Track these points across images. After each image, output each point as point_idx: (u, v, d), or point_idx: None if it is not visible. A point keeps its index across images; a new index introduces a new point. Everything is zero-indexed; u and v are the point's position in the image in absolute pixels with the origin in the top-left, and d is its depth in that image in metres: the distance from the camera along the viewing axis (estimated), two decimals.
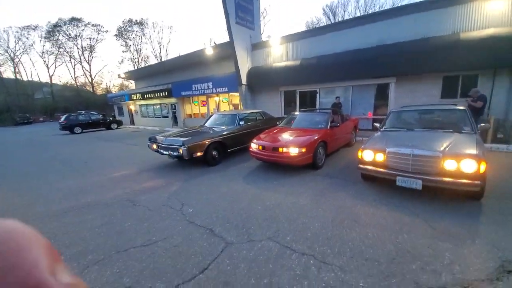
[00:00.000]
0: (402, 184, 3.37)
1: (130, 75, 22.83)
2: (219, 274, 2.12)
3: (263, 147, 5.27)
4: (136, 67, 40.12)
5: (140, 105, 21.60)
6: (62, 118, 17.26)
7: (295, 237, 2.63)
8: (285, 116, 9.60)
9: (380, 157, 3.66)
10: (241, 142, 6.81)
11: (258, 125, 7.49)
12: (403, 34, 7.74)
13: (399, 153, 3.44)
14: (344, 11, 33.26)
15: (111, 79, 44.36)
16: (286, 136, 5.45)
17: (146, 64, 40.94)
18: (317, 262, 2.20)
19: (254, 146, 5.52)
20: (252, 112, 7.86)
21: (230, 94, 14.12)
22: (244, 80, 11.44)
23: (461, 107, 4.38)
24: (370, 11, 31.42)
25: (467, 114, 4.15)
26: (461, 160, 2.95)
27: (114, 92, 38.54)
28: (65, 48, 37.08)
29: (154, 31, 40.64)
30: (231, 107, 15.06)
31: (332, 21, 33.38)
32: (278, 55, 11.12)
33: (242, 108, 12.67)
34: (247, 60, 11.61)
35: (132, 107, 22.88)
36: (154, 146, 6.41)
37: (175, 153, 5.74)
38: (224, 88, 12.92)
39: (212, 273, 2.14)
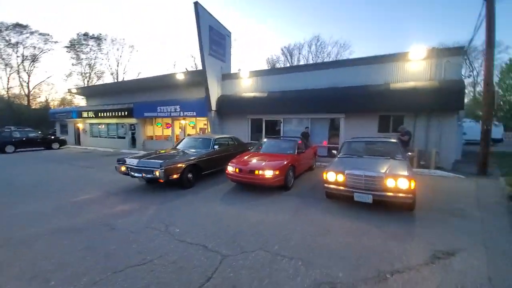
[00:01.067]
0: (358, 199, 4.21)
1: (83, 91, 21.01)
2: (224, 280, 2.38)
3: (240, 170, 5.70)
4: (87, 82, 36.83)
5: (91, 124, 19.76)
6: None
7: (282, 246, 3.06)
8: (254, 141, 10.33)
9: (341, 178, 4.50)
10: (215, 165, 7.08)
11: (230, 149, 7.92)
12: (349, 80, 9.64)
13: (355, 174, 4.34)
14: (299, 53, 38.30)
15: (51, 92, 39.28)
16: (260, 160, 6.02)
17: (99, 80, 38.08)
18: (305, 263, 2.66)
19: (230, 169, 5.89)
20: (225, 137, 8.31)
21: (198, 118, 14.35)
22: (213, 106, 11.99)
23: (394, 140, 5.75)
24: (320, 56, 36.96)
25: (398, 145, 5.48)
26: (398, 179, 3.96)
27: (53, 107, 34.11)
28: (1, 55, 31.90)
29: (113, 47, 38.46)
30: (198, 131, 15.19)
31: (290, 60, 37.85)
32: (246, 86, 12.17)
33: (209, 132, 12.99)
34: (217, 88, 12.34)
35: (80, 126, 20.67)
36: (123, 168, 6.16)
37: (149, 176, 5.66)
38: (192, 112, 13.16)
39: (217, 281, 2.38)
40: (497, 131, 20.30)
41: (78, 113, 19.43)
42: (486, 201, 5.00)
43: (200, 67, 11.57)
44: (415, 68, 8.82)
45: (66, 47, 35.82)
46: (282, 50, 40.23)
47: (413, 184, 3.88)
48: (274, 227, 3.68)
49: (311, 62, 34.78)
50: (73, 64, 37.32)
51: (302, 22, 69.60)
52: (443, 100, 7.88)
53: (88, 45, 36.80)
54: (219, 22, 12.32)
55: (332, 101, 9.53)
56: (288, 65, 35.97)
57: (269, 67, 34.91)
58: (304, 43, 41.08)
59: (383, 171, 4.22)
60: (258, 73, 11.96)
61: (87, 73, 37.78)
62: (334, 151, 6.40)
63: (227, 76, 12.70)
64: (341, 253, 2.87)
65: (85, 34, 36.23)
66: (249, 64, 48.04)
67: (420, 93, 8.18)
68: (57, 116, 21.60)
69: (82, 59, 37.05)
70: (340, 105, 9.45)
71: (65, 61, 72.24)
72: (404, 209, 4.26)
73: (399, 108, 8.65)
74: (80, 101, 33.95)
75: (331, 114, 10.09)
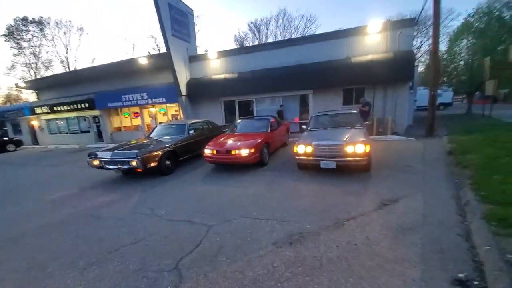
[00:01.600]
0: (325, 166, 4.79)
1: (33, 84, 18.76)
2: (212, 244, 2.76)
3: (217, 151, 5.96)
4: (34, 74, 32.52)
5: (48, 120, 18.05)
6: None
7: (261, 212, 3.52)
8: (228, 124, 10.50)
9: (309, 149, 5.01)
10: (192, 150, 7.23)
11: (205, 133, 8.05)
12: (315, 56, 10.02)
13: (320, 144, 4.87)
14: (267, 29, 37.30)
15: None
16: (235, 140, 6.31)
17: (48, 70, 33.77)
18: (279, 222, 3.15)
19: (208, 151, 6.11)
20: (199, 122, 8.37)
21: (168, 105, 13.90)
22: (183, 91, 11.71)
23: (354, 111, 6.39)
24: (288, 30, 36.48)
25: (357, 116, 6.13)
26: (356, 145, 4.56)
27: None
28: None
29: (58, 32, 33.58)
30: (170, 118, 14.78)
31: (258, 37, 36.84)
32: (215, 67, 11.97)
33: (182, 118, 12.77)
34: (185, 72, 11.96)
35: (35, 123, 18.79)
36: (96, 162, 6.07)
37: (125, 166, 5.67)
38: (161, 99, 12.72)
39: (206, 245, 2.75)
40: (447, 95, 22.74)
41: (30, 109, 17.55)
42: (430, 157, 5.93)
43: (163, 50, 11.02)
44: (373, 41, 9.43)
45: (4, 35, 30.70)
46: (249, 26, 38.81)
47: (368, 148, 4.52)
48: (253, 198, 4.10)
49: (279, 38, 34.37)
50: (14, 55, 32.34)
51: None
52: (396, 70, 8.70)
53: (29, 31, 31.84)
54: None
55: (300, 78, 9.92)
56: (256, 42, 35.15)
57: (237, 46, 33.91)
58: (271, 17, 40.08)
59: (344, 139, 4.80)
60: (226, 53, 11.77)
61: (32, 63, 33.18)
62: (304, 126, 6.90)
63: (194, 58, 12.30)
64: (309, 210, 3.41)
65: (24, 19, 31.14)
66: (218, 44, 45.98)
67: (377, 65, 8.89)
68: (6, 116, 19.32)
69: (25, 47, 32.20)
70: (307, 81, 9.90)
71: (5, 52, 62.13)
72: (362, 170, 4.96)
73: (360, 81, 9.36)
74: (29, 96, 30.24)
75: (300, 91, 10.53)
